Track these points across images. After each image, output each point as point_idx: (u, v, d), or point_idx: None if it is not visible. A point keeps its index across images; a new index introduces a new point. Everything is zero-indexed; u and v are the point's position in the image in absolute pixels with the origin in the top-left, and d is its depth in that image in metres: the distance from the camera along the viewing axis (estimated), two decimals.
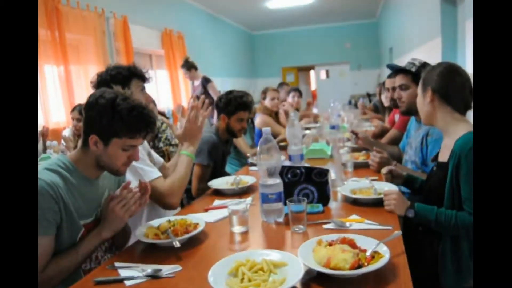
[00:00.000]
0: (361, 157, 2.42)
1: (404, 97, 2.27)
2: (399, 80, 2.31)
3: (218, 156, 2.57)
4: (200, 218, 1.55)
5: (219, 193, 2.05)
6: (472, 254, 1.51)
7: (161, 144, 4.16)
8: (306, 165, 2.27)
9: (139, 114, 1.37)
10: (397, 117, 3.23)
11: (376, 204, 1.64)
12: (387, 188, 1.78)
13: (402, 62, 7.99)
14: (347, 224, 1.44)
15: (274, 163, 1.53)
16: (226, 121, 2.61)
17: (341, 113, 4.79)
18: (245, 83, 11.90)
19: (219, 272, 1.11)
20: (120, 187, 1.50)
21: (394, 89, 3.05)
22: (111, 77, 1.79)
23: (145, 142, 2.07)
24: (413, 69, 2.23)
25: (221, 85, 10.02)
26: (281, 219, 1.55)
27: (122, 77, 1.80)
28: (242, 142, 3.21)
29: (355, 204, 1.69)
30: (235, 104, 2.61)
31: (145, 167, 1.74)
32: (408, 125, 2.55)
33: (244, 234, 1.48)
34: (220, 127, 2.63)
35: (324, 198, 1.70)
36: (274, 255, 1.18)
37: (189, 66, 5.65)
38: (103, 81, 1.79)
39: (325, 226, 1.46)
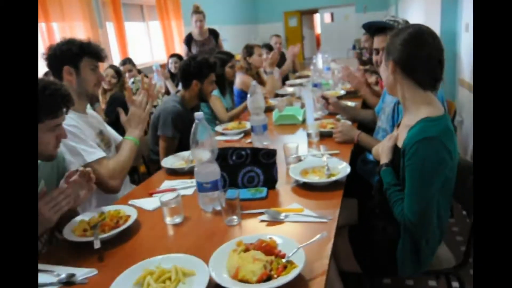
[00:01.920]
0: (329, 125, 2.26)
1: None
2: (378, 42, 2.06)
3: (185, 126, 2.43)
4: (132, 210, 1.46)
5: (175, 171, 1.95)
6: (428, 241, 1.42)
7: None
8: (264, 141, 2.16)
9: (52, 92, 1.31)
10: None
11: (326, 187, 1.53)
12: (341, 166, 1.66)
13: (409, 4, 7.47)
14: (282, 215, 1.33)
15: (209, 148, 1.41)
16: (199, 86, 2.45)
17: (331, 66, 4.53)
18: (246, 29, 11.42)
19: (125, 282, 1.04)
20: (63, 176, 1.44)
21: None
22: (61, 52, 1.72)
23: (99, 118, 1.95)
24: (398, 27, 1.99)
25: (222, 33, 9.62)
26: (219, 207, 1.45)
27: (72, 55, 1.72)
28: (219, 105, 3.05)
29: (304, 187, 1.57)
30: (207, 67, 2.46)
31: (87, 148, 1.65)
32: (384, 90, 2.35)
33: (177, 227, 1.39)
34: (187, 95, 2.48)
35: (270, 181, 1.59)
36: (186, 262, 1.09)
37: (202, 13, 4.83)
38: (52, 56, 1.73)
39: (260, 218, 1.35)
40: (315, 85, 3.49)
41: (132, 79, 4.22)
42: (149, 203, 1.57)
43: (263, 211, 1.36)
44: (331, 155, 1.89)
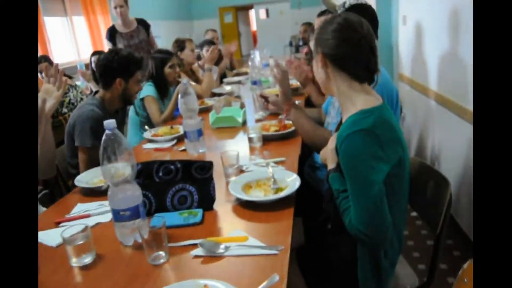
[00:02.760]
0: (272, 127, 2.02)
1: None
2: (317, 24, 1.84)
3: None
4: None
5: (91, 191, 1.59)
6: (386, 253, 1.23)
7: (64, 110, 3.54)
8: (200, 149, 1.88)
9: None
10: None
11: (273, 205, 1.28)
12: (290, 178, 1.41)
13: None
14: (222, 247, 1.06)
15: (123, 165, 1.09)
16: (123, 86, 2.08)
17: (270, 62, 4.32)
18: (180, 26, 10.94)
19: None
20: None
21: None
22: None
23: None
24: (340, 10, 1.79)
25: (154, 29, 9.08)
26: (145, 235, 1.14)
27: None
28: (154, 107, 2.69)
29: (247, 205, 1.31)
30: (133, 63, 2.09)
31: None
32: None
33: (87, 270, 1.07)
34: (108, 96, 2.10)
35: (206, 200, 1.30)
36: None
37: None
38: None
39: (193, 252, 1.07)
40: (254, 83, 3.25)
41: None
42: (53, 237, 1.22)
43: (198, 243, 1.08)
44: (277, 163, 1.65)
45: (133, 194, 1.12)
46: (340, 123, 1.35)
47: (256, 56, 3.81)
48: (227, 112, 2.37)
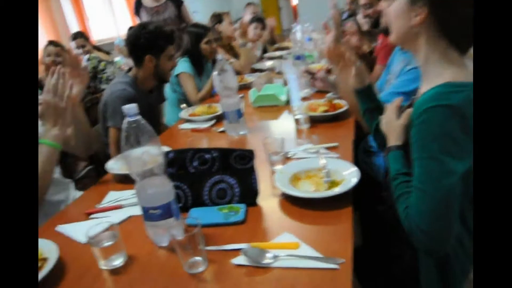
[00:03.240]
0: (320, 107, 1.79)
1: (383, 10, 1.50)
2: None
3: (140, 112, 1.92)
4: (52, 247, 0.98)
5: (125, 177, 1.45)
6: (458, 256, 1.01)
7: (103, 86, 3.46)
8: (240, 131, 1.69)
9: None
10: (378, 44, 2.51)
11: (327, 202, 1.07)
12: (346, 171, 1.19)
13: None
14: (269, 256, 0.88)
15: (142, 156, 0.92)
16: (154, 63, 1.93)
17: (312, 36, 4.01)
18: (218, 1, 10.65)
19: None
20: None
21: (370, 5, 2.33)
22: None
23: None
24: None
25: (191, 4, 8.88)
26: (180, 236, 0.98)
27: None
28: (190, 84, 2.54)
29: (296, 201, 1.11)
30: (163, 38, 1.92)
31: None
32: (391, 57, 1.88)
33: (117, 274, 0.93)
34: (141, 74, 1.95)
35: (248, 194, 1.12)
36: None
37: None
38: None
39: (235, 261, 0.89)
40: (297, 58, 2.98)
41: (87, 56, 3.62)
42: (82, 231, 1.09)
43: (240, 249, 0.90)
44: (328, 149, 1.44)
45: (164, 190, 0.95)
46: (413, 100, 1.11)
47: (298, 29, 3.53)
48: (269, 90, 2.16)
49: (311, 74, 1.96)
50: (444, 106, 0.88)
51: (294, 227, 1.01)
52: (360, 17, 3.11)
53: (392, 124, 1.09)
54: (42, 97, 1.28)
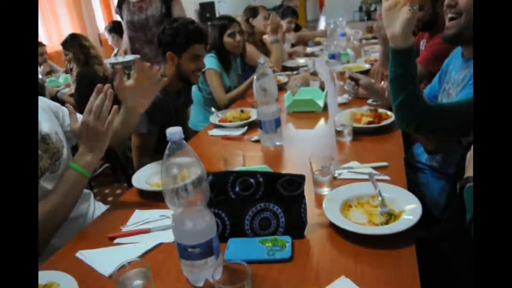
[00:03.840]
0: (364, 117, 1.64)
1: (463, 4, 1.23)
2: None
3: (166, 117, 1.81)
4: (70, 280, 0.87)
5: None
6: None
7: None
8: (277, 142, 1.55)
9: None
10: (422, 45, 2.32)
11: (386, 240, 0.93)
12: (409, 206, 1.04)
13: None
14: None
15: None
16: (176, 62, 1.80)
17: (346, 32, 3.84)
18: None
19: None
20: None
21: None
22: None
23: (57, 107, 1.36)
24: None
25: None
26: (219, 275, 0.87)
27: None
28: (216, 82, 2.41)
29: (348, 234, 0.97)
30: (185, 34, 1.77)
31: None
32: (446, 62, 1.68)
33: None
34: (166, 74, 1.83)
35: (296, 226, 0.99)
36: None
37: None
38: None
39: None
40: (332, 57, 2.84)
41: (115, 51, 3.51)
42: (106, 260, 0.99)
43: None
44: (377, 169, 1.29)
45: (205, 224, 0.83)
46: None
47: (333, 25, 3.35)
48: (305, 94, 2.01)
49: (355, 80, 1.80)
50: None
51: (350, 269, 0.87)
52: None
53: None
54: (82, 118, 1.16)
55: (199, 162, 0.80)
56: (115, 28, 4.03)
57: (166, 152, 0.78)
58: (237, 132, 1.76)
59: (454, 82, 1.49)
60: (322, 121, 1.86)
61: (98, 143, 1.18)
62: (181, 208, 0.81)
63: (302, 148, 1.56)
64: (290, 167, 1.44)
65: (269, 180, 0.98)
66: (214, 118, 1.92)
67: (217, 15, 8.47)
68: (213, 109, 2.04)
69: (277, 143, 1.58)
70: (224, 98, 2.35)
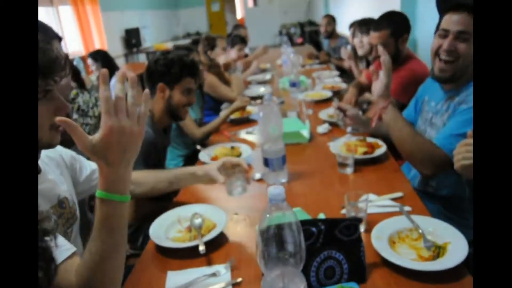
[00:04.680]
0: (359, 147, 1.71)
1: (462, 51, 1.39)
2: (461, 22, 1.39)
3: (157, 157, 1.72)
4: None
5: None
6: None
7: (74, 115, 3.11)
8: (282, 179, 1.55)
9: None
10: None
11: (438, 275, 0.98)
12: (449, 234, 1.10)
13: None
14: None
15: None
16: (167, 95, 1.72)
17: (290, 56, 3.97)
18: (167, 15, 10.39)
19: None
20: None
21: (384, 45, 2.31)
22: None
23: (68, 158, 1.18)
24: None
25: (139, 19, 8.53)
26: None
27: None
28: (187, 118, 2.32)
29: (403, 272, 1.00)
30: (180, 66, 1.72)
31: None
32: (420, 92, 1.83)
33: None
34: (155, 108, 1.74)
35: (358, 270, 1.00)
36: None
37: None
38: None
39: None
40: (293, 85, 2.93)
41: None
42: None
43: None
44: (394, 200, 1.36)
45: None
46: None
47: (289, 51, 3.47)
48: (289, 126, 2.04)
49: (343, 111, 1.88)
50: None
51: None
52: (357, 40, 3.11)
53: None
54: (102, 123, 0.81)
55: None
56: None
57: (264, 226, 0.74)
58: None
59: (437, 112, 1.62)
60: (312, 153, 1.89)
61: (132, 150, 0.85)
62: (277, 270, 0.77)
63: (308, 184, 1.57)
64: (306, 204, 1.44)
65: (329, 227, 0.98)
66: (204, 157, 1.85)
67: (142, 42, 8.27)
68: (198, 146, 1.97)
69: (283, 180, 1.58)
70: (199, 133, 2.29)
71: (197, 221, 1.24)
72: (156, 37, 9.40)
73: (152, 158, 1.63)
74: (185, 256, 1.15)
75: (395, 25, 2.21)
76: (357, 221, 1.00)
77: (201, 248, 1.12)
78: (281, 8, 11.84)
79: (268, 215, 0.74)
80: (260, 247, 0.74)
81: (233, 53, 3.52)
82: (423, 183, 1.65)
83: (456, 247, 1.04)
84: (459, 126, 1.44)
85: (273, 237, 0.73)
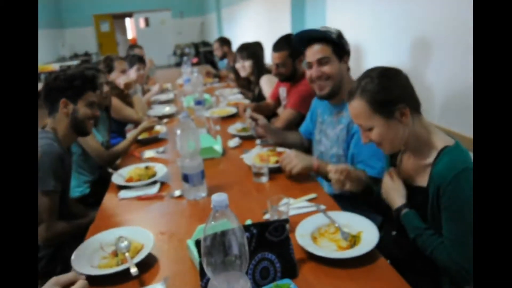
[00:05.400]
0: (271, 157, 1.82)
1: (328, 72, 1.71)
2: (318, 52, 1.71)
3: (67, 174, 1.66)
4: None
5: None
6: None
7: None
8: (202, 193, 1.57)
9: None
10: (282, 91, 2.70)
11: (357, 261, 1.10)
12: (361, 225, 1.25)
13: (235, 11, 7.44)
14: None
15: None
16: (70, 110, 1.65)
17: (193, 75, 4.01)
18: (50, 34, 9.64)
19: None
20: None
21: (278, 65, 2.51)
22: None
23: None
24: (334, 37, 1.69)
25: None
26: None
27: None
28: (91, 140, 2.19)
29: (331, 263, 1.10)
30: (82, 79, 1.68)
31: None
32: (314, 105, 2.04)
33: None
34: (59, 126, 1.66)
35: (289, 267, 1.07)
36: None
37: None
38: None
39: None
40: (198, 103, 2.97)
41: None
42: None
43: None
44: (309, 201, 1.48)
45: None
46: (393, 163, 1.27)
47: (190, 70, 3.50)
48: (202, 142, 2.06)
49: (255, 120, 1.98)
50: (467, 169, 1.06)
51: None
52: (239, 65, 3.27)
53: (392, 188, 1.25)
54: None
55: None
56: None
57: (207, 235, 0.76)
58: (152, 190, 1.69)
59: (329, 124, 1.83)
60: (226, 166, 1.95)
61: None
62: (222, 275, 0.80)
63: (227, 195, 1.61)
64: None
65: (260, 230, 1.04)
66: (118, 179, 1.78)
67: None
68: (110, 169, 1.88)
69: (203, 195, 1.60)
70: (107, 155, 2.18)
71: (123, 244, 1.20)
72: (40, 58, 8.65)
73: (62, 173, 1.57)
74: (116, 282, 1.10)
75: (293, 46, 2.42)
76: (284, 221, 1.07)
77: (133, 270, 1.08)
78: (175, 29, 11.86)
79: (213, 222, 0.77)
80: (206, 255, 0.77)
81: (132, 73, 3.43)
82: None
83: (368, 234, 1.18)
84: (369, 156, 1.62)
85: (220, 243, 0.76)
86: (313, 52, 1.73)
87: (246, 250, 0.80)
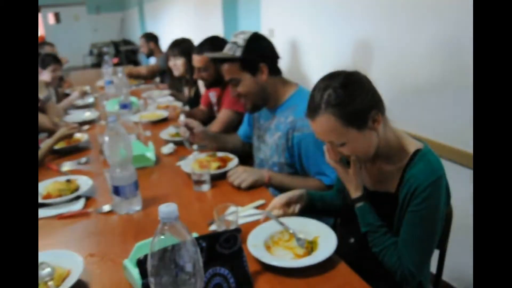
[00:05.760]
0: (212, 163, 1.77)
1: (241, 91, 1.71)
2: (226, 73, 1.72)
3: None
4: None
5: None
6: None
7: None
8: (136, 207, 1.49)
9: None
10: (212, 95, 2.65)
11: (316, 268, 1.10)
12: (309, 226, 1.25)
13: (160, 5, 7.22)
14: None
15: None
16: None
17: (117, 76, 3.82)
18: None
19: None
20: None
21: (200, 69, 2.47)
22: None
23: None
24: (238, 53, 1.63)
25: None
26: None
27: None
28: None
29: (289, 273, 1.09)
30: None
31: None
32: None
33: None
34: None
35: (244, 281, 1.03)
36: None
37: None
38: None
39: None
40: (124, 106, 2.82)
41: None
42: None
43: None
44: (258, 208, 1.46)
45: None
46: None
47: (112, 71, 3.33)
48: (135, 150, 1.96)
49: (190, 129, 1.90)
50: (441, 177, 1.11)
51: None
52: (172, 63, 3.18)
53: (346, 181, 1.26)
54: None
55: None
56: None
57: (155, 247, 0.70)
58: (76, 207, 1.56)
59: (267, 129, 1.82)
60: (161, 175, 1.86)
61: None
62: None
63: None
64: None
65: (210, 243, 0.99)
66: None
67: None
68: None
69: (137, 208, 1.51)
70: None
71: (45, 271, 1.08)
72: None
73: None
74: None
75: (217, 49, 2.37)
76: (236, 231, 1.03)
77: None
78: (90, 26, 11.31)
79: (162, 236, 0.71)
80: (154, 274, 0.70)
81: (46, 75, 3.19)
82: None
83: (325, 239, 1.18)
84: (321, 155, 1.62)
85: (170, 260, 0.70)
86: (224, 72, 1.73)
87: (200, 266, 0.75)
